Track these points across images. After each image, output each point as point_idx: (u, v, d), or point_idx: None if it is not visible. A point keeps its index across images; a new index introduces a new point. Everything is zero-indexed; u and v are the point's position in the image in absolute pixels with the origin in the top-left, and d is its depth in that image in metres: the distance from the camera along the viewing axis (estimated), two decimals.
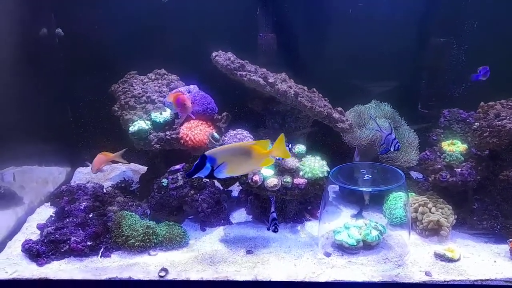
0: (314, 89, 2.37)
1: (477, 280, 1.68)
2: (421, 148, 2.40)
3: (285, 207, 2.12)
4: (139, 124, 2.09)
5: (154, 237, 1.91)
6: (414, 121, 2.59)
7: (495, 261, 1.79)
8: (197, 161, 1.44)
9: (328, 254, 1.88)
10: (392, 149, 1.94)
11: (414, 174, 2.53)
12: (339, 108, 2.27)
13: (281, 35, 2.59)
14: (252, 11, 2.57)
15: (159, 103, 2.23)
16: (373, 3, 2.53)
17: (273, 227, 1.80)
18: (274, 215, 1.83)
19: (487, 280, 1.67)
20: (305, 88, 2.34)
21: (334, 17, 2.60)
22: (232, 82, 2.20)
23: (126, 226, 1.91)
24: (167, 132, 2.12)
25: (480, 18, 2.43)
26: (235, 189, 2.41)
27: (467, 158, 2.06)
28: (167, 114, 2.16)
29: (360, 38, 2.55)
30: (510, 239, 1.82)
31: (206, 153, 1.44)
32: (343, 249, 1.90)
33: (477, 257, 1.84)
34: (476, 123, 2.05)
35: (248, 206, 2.23)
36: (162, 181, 2.03)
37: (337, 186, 2.45)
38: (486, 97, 2.19)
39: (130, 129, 2.10)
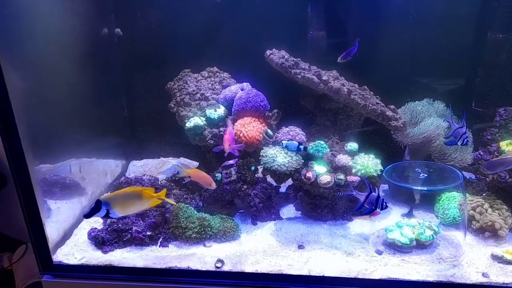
0: (365, 87, 2.36)
1: None
2: (475, 147, 2.34)
3: (335, 204, 2.14)
4: (195, 121, 2.17)
5: (209, 229, 1.98)
6: (469, 119, 2.52)
7: None
8: (93, 205, 1.57)
9: (379, 252, 1.88)
10: (459, 143, 1.86)
11: (466, 174, 2.47)
12: (392, 106, 2.25)
13: (331, 33, 2.59)
14: (302, 9, 2.59)
15: (213, 100, 2.30)
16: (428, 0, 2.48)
17: (382, 204, 1.73)
18: (375, 194, 1.74)
19: None
20: (356, 85, 2.34)
21: (385, 13, 2.57)
22: (283, 79, 2.23)
23: (183, 218, 2.00)
24: (221, 129, 2.19)
25: None
26: (283, 185, 2.45)
27: None
28: (221, 111, 2.22)
29: (412, 34, 2.50)
30: None
31: (100, 198, 1.58)
32: (395, 247, 1.90)
33: None
34: None
35: (297, 202, 2.27)
36: (216, 175, 2.11)
37: (386, 185, 2.44)
38: None
39: (187, 125, 2.18)
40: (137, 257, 1.90)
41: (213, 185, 1.91)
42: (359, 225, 2.13)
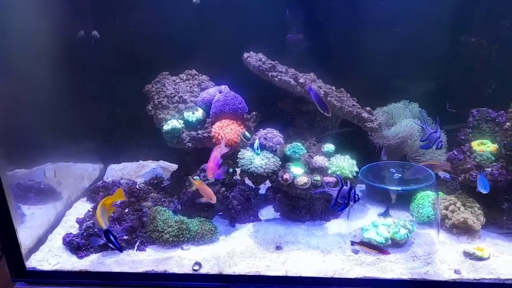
0: (342, 89, 2.40)
1: (507, 279, 1.68)
2: (449, 148, 2.40)
3: (313, 205, 2.16)
4: (172, 123, 2.16)
5: (187, 232, 1.98)
6: (443, 120, 2.58)
7: None
8: (113, 239, 1.59)
9: (356, 252, 1.91)
10: (434, 147, 1.94)
11: (441, 173, 2.53)
12: (368, 108, 2.29)
13: (310, 36, 2.62)
14: (281, 12, 2.62)
15: (191, 103, 2.30)
16: (404, 4, 2.53)
17: (355, 197, 1.74)
18: (347, 188, 1.75)
19: None
20: (334, 88, 2.38)
21: (362, 17, 2.61)
22: (262, 82, 2.25)
23: (161, 221, 1.98)
24: (199, 131, 2.19)
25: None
26: (262, 187, 2.47)
27: (498, 158, 2.05)
28: (199, 113, 2.22)
29: (388, 38, 2.55)
30: None
31: (101, 228, 1.60)
32: None
33: (508, 256, 1.84)
34: (507, 123, 2.04)
35: (276, 203, 2.28)
36: (194, 178, 2.10)
37: (363, 185, 2.47)
38: None
39: (164, 128, 2.17)
40: (113, 262, 1.88)
41: (214, 199, 1.90)
42: (336, 225, 2.16)
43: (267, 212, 2.31)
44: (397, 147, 2.32)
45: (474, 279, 1.70)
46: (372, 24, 2.57)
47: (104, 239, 1.59)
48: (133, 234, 1.98)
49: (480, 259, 1.80)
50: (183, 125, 2.20)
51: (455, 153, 2.22)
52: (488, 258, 1.81)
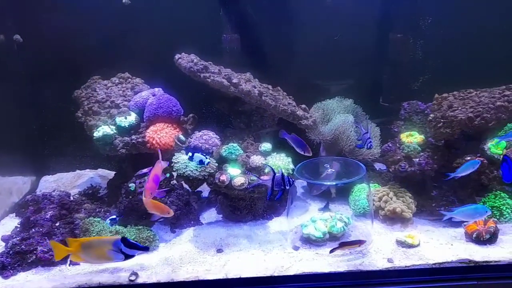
0: (279, 88, 2.42)
1: (435, 264, 1.77)
2: (386, 140, 2.49)
3: (254, 205, 2.16)
4: (103, 130, 2.08)
5: None
6: (377, 114, 2.69)
7: (452, 244, 1.89)
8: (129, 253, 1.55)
9: (296, 248, 1.93)
10: (365, 147, 2.06)
11: (378, 165, 2.63)
12: (303, 106, 2.33)
13: (245, 35, 2.63)
14: (216, 12, 2.60)
15: (124, 107, 2.22)
16: (334, 2, 2.60)
17: (290, 181, 1.77)
18: (279, 175, 1.76)
19: (444, 262, 1.77)
20: (270, 87, 2.39)
21: (296, 16, 2.66)
22: (199, 83, 2.22)
23: (95, 233, 1.90)
24: (133, 137, 2.12)
25: (434, 14, 2.55)
26: (206, 190, 2.44)
27: (424, 148, 2.16)
28: (132, 118, 2.15)
29: (322, 36, 2.62)
30: (465, 223, 1.93)
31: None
32: (310, 242, 1.96)
33: (436, 241, 1.93)
34: (431, 115, 2.16)
35: (218, 206, 2.26)
36: (129, 185, 2.03)
37: (305, 181, 2.52)
38: (442, 89, 2.30)
39: (95, 134, 2.08)
40: (44, 278, 1.77)
41: (171, 213, 1.79)
42: (278, 223, 2.17)
43: (210, 215, 2.28)
44: (333, 142, 2.37)
45: (405, 266, 1.77)
46: (306, 23, 2.63)
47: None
48: None
49: (411, 246, 1.88)
50: (115, 131, 2.12)
51: (390, 145, 2.31)
52: (419, 245, 1.89)
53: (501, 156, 1.93)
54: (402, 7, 2.61)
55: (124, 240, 1.50)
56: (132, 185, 2.04)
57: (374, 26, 2.66)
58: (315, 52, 2.65)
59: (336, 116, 2.38)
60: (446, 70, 2.64)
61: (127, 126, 2.13)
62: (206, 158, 1.95)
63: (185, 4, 2.55)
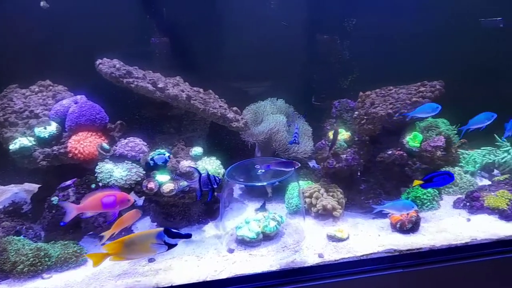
0: (210, 91, 2.41)
1: (363, 255, 1.84)
2: (318, 138, 2.56)
3: (188, 210, 2.13)
4: (20, 142, 1.95)
5: (47, 259, 1.80)
6: (310, 113, 2.76)
7: (379, 235, 1.98)
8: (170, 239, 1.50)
9: (231, 251, 1.92)
10: (294, 142, 2.09)
11: (312, 163, 2.69)
12: (235, 108, 2.33)
13: (175, 38, 2.59)
14: (143, 17, 2.54)
15: (44, 117, 2.10)
16: (262, 6, 2.63)
17: (216, 179, 1.78)
18: (205, 175, 1.77)
19: (371, 254, 1.84)
20: (201, 90, 2.37)
21: (226, 18, 2.66)
22: (125, 89, 2.15)
23: (13, 252, 1.77)
24: (55, 147, 2.01)
25: (357, 16, 2.66)
26: (140, 198, 2.36)
27: (351, 145, 2.24)
28: (52, 128, 2.04)
29: (252, 39, 2.64)
30: (390, 214, 2.02)
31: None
32: (245, 243, 1.95)
33: (365, 233, 2.01)
34: (356, 112, 2.24)
35: (151, 214, 2.20)
36: (52, 199, 1.92)
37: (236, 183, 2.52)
38: (369, 86, 2.40)
39: (11, 147, 1.95)
40: None
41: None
42: (214, 227, 2.15)
43: (143, 224, 2.21)
44: (266, 143, 2.40)
45: (335, 260, 1.82)
46: (236, 24, 2.64)
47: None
48: None
49: (340, 240, 1.93)
50: (34, 142, 1.99)
51: (323, 143, 2.37)
52: (348, 238, 1.95)
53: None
54: (328, 9, 2.69)
55: (167, 231, 1.47)
56: (55, 199, 1.93)
57: (303, 28, 2.72)
58: (247, 55, 2.67)
59: (268, 117, 2.41)
60: (372, 68, 2.76)
61: (47, 136, 2.01)
62: (165, 154, 1.98)
63: (113, 8, 2.47)
